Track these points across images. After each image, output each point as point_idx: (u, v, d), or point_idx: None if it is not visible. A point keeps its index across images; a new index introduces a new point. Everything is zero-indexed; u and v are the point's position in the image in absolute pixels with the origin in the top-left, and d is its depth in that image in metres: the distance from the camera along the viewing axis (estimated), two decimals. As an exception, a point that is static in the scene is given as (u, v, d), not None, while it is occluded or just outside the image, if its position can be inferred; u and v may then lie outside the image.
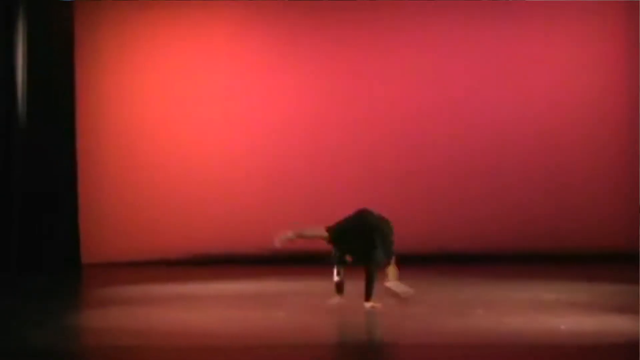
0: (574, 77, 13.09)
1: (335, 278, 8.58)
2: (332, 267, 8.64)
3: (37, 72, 12.14)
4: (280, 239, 8.65)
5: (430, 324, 7.94)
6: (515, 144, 13.06)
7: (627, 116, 13.00)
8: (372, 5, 13.17)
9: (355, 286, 8.75)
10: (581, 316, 8.18)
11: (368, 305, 8.44)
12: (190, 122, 13.26)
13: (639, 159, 12.67)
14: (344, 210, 9.08)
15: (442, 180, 13.10)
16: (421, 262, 12.30)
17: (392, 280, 8.62)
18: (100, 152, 13.22)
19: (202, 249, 12.88)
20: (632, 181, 12.79)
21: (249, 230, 12.84)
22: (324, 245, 8.69)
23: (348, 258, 8.54)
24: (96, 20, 13.22)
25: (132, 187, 13.20)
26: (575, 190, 12.98)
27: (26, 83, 11.88)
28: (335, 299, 8.63)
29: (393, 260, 8.69)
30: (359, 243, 8.54)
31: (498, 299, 9.31)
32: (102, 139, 13.24)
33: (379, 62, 13.21)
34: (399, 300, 8.61)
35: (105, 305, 9.31)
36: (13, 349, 7.05)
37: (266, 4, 13.23)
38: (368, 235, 8.55)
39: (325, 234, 8.57)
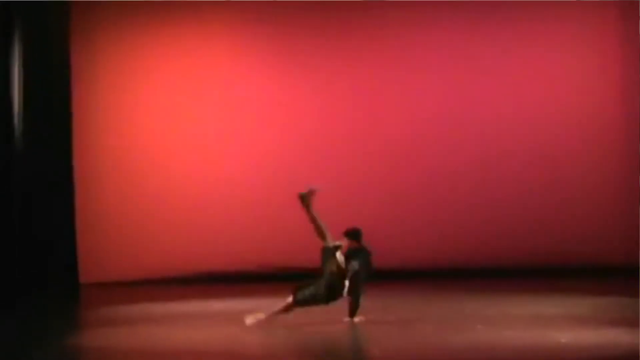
0: (572, 86, 13.10)
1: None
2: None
3: (34, 89, 12.13)
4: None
5: (430, 339, 7.94)
6: (514, 156, 13.06)
7: (628, 127, 13.01)
8: (371, 18, 13.20)
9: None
10: (581, 329, 8.18)
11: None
12: (188, 141, 13.25)
13: (639, 172, 12.69)
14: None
15: (439, 194, 13.10)
16: (420, 277, 12.33)
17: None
18: (98, 171, 13.21)
19: (201, 267, 12.86)
20: (631, 194, 12.80)
21: (248, 247, 12.84)
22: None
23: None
24: (93, 29, 13.21)
25: (130, 205, 13.19)
26: (575, 203, 12.98)
27: (22, 100, 11.87)
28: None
29: None
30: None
31: (497, 313, 9.31)
32: (99, 158, 13.24)
33: (378, 74, 13.23)
34: None
35: (104, 325, 9.31)
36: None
37: (266, 16, 13.25)
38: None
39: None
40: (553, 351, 7.24)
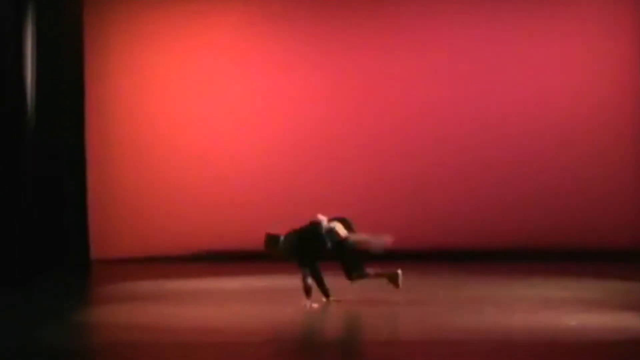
0: (583, 75, 13.07)
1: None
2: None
3: (47, 68, 12.12)
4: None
5: (441, 320, 7.97)
6: (525, 141, 13.04)
7: (637, 113, 12.98)
8: (385, 5, 13.17)
9: (366, 286, 8.81)
10: (590, 313, 8.19)
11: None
12: (199, 119, 13.27)
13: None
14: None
15: (450, 179, 13.10)
16: (429, 260, 12.34)
17: None
18: (109, 149, 13.26)
19: (212, 245, 12.90)
20: (640, 178, 12.83)
21: (259, 226, 12.83)
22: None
23: None
24: (105, 17, 13.24)
25: (141, 183, 13.23)
26: (584, 187, 12.97)
27: (35, 79, 11.87)
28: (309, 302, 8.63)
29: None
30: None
31: (507, 296, 9.33)
32: (111, 135, 13.27)
33: (388, 62, 13.20)
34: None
35: (114, 301, 9.37)
36: (23, 346, 7.08)
37: (274, 3, 13.24)
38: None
39: None
40: (562, 334, 7.25)
